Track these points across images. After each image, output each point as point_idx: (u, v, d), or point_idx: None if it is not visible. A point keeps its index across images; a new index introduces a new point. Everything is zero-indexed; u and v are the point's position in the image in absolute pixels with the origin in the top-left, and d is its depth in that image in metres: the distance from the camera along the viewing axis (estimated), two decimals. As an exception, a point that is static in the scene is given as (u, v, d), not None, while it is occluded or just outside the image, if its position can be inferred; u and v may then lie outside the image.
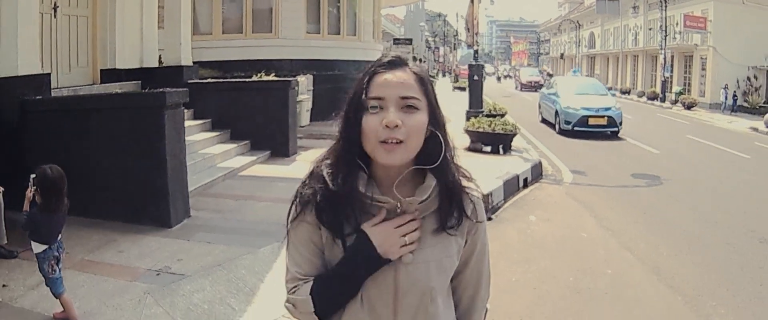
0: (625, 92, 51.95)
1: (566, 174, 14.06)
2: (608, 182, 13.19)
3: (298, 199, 1.92)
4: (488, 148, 14.62)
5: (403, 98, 1.80)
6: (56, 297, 4.92)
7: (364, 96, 1.83)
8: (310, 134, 15.35)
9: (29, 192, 4.84)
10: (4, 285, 5.73)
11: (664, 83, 43.48)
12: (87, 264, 6.16)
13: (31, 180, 4.86)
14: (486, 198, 9.89)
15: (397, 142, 1.77)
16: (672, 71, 45.00)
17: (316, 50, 19.67)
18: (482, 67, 19.01)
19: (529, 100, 40.19)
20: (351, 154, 1.85)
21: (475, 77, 17.78)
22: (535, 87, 52.05)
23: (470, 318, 2.08)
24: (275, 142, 12.73)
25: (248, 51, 18.50)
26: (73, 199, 5.18)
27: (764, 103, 34.65)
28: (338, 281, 1.84)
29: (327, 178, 1.86)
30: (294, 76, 14.57)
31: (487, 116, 15.94)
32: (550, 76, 41.50)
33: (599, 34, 69.02)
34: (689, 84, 44.13)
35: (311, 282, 1.88)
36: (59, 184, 4.90)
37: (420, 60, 56.61)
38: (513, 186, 11.60)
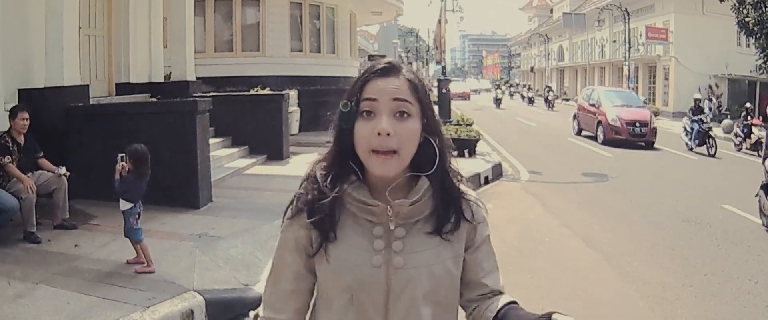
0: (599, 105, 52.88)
1: (524, 173, 16.01)
2: (560, 179, 15.19)
3: (294, 201, 1.95)
4: (455, 153, 16.27)
5: (396, 100, 1.79)
6: (137, 244, 6.66)
7: (355, 101, 1.82)
8: (299, 142, 16.99)
9: (119, 167, 6.62)
10: (76, 246, 7.41)
11: (630, 94, 44.62)
12: (141, 233, 7.94)
13: (119, 158, 6.67)
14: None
15: (390, 153, 1.77)
16: (637, 82, 46.39)
17: (300, 67, 21.47)
18: (449, 81, 21.27)
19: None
20: (343, 159, 1.86)
21: (443, 90, 20.03)
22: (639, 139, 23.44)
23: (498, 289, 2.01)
24: (271, 147, 14.40)
25: (238, 68, 20.32)
26: (109, 188, 6.97)
27: (725, 110, 35.56)
28: None
29: (320, 181, 1.89)
30: (281, 91, 16.21)
31: (455, 125, 17.86)
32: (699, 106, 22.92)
33: (567, 47, 70.27)
34: (654, 94, 45.25)
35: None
36: (146, 156, 6.78)
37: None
38: (475, 183, 13.47)
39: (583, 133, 26.31)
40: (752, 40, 30.08)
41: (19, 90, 9.40)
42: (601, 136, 23.70)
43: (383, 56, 25.66)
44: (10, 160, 7.84)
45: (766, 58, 28.29)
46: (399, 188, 1.85)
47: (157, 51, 14.25)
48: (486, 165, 15.19)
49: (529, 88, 61.57)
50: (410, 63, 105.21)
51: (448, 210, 1.89)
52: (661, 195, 13.23)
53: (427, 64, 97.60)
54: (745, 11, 27.60)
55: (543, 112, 43.08)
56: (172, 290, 5.95)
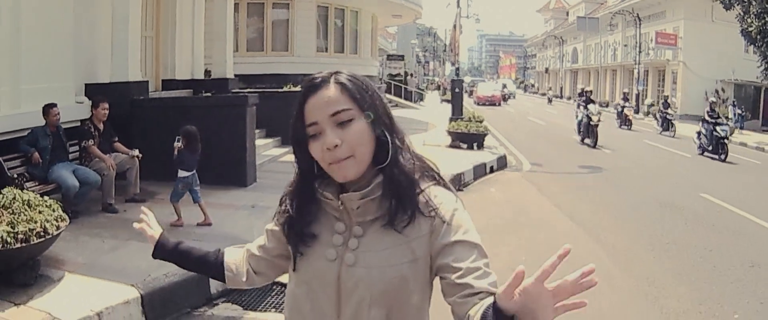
0: (605, 104, 53.07)
1: (526, 165, 17.83)
2: (558, 170, 16.97)
3: (276, 214, 2.09)
4: (465, 145, 18.50)
5: (333, 115, 1.80)
6: (196, 203, 8.72)
7: (301, 125, 1.85)
8: (325, 134, 18.91)
9: (177, 145, 8.54)
10: (203, 219, 9.12)
11: (638, 96, 45.62)
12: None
13: (177, 139, 8.57)
14: (459, 177, 13.69)
15: (344, 159, 1.80)
16: (646, 85, 47.46)
17: (324, 66, 22.06)
18: (462, 81, 23.06)
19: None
20: (305, 183, 1.95)
21: (457, 90, 21.87)
22: None
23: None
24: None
25: (268, 66, 22.24)
26: (173, 170, 8.75)
27: (732, 114, 35.33)
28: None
29: (288, 205, 2.00)
30: (305, 89, 17.81)
31: (466, 121, 19.75)
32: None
33: (581, 49, 71.37)
34: (662, 97, 46.11)
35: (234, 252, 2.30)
36: (196, 134, 8.70)
37: (411, 74, 56.36)
38: (481, 171, 15.38)
39: None
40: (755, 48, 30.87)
41: (86, 84, 11.04)
42: None
43: (401, 56, 27.68)
44: (93, 142, 9.51)
45: (767, 66, 29.39)
46: (363, 185, 1.87)
47: (199, 50, 15.95)
48: (492, 156, 17.10)
49: (626, 98, 36.94)
50: (427, 62, 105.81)
51: (400, 203, 1.86)
52: (646, 186, 14.82)
53: (443, 63, 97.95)
54: (749, 20, 28.50)
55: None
56: (237, 242, 7.56)
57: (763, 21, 27.81)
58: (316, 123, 1.80)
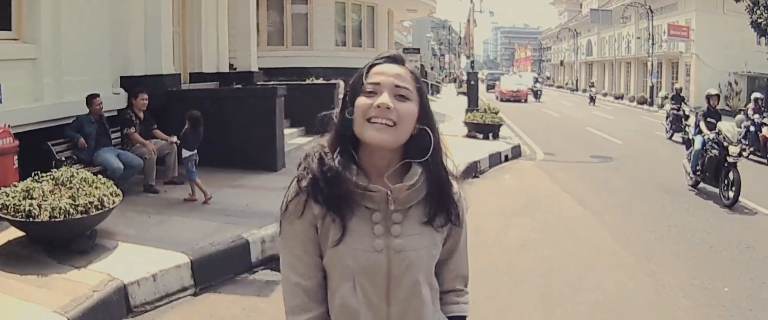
0: (619, 97, 53.92)
1: (539, 154, 18.55)
2: (570, 160, 17.62)
3: (296, 187, 2.03)
4: (481, 135, 19.24)
5: (397, 86, 1.88)
6: (192, 181, 9.41)
7: (362, 81, 1.92)
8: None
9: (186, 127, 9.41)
10: (189, 194, 9.88)
11: (651, 88, 45.88)
12: (235, 186, 10.33)
13: (186, 122, 9.45)
14: (475, 165, 14.33)
15: (389, 124, 1.85)
16: (660, 77, 47.57)
17: (343, 60, 23.89)
18: (477, 74, 23.76)
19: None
20: (344, 139, 1.93)
21: (472, 82, 22.64)
22: None
23: (460, 288, 2.19)
24: (324, 128, 16.34)
25: (288, 60, 22.97)
26: (205, 156, 9.71)
27: (744, 106, 34.51)
28: None
29: (324, 163, 1.95)
30: (327, 81, 18.45)
31: (482, 112, 20.51)
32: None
33: (595, 41, 71.36)
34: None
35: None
36: (199, 118, 9.52)
37: (431, 67, 56.05)
38: (496, 159, 16.10)
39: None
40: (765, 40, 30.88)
41: (121, 77, 11.72)
42: None
43: (417, 49, 28.59)
44: (134, 129, 10.30)
45: (778, 57, 29.32)
46: (393, 176, 1.92)
47: (223, 45, 16.53)
48: (506, 146, 17.83)
49: (760, 107, 19.69)
50: (442, 55, 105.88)
51: (442, 202, 1.98)
52: (652, 174, 15.36)
53: (459, 55, 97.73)
54: (758, 12, 28.77)
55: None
56: (273, 219, 8.19)
57: (773, 13, 27.82)
58: (379, 84, 1.89)
